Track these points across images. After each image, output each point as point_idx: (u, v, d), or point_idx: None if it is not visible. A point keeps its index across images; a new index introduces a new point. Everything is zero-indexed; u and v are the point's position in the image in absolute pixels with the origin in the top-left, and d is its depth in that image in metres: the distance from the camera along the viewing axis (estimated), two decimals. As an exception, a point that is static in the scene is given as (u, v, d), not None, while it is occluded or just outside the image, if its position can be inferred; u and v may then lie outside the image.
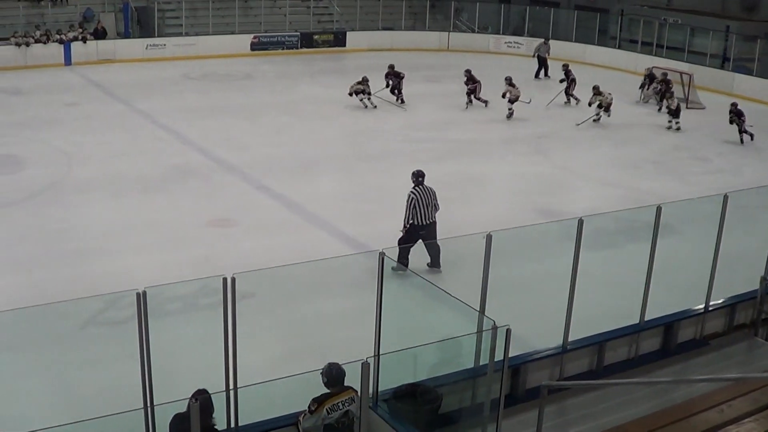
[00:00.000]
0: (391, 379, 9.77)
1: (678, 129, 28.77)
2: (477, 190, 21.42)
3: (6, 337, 11.73)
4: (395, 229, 16.43)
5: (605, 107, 28.52)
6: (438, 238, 16.04)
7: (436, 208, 16.36)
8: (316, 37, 45.45)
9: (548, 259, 15.07)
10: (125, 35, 43.64)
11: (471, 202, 20.32)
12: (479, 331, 9.75)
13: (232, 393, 9.39)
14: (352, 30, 46.42)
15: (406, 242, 16.06)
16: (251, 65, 40.14)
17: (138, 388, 9.23)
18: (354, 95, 30.22)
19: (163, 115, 28.86)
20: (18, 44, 40.06)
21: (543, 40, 39.88)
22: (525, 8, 46.80)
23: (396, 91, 31.42)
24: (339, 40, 45.77)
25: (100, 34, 41.68)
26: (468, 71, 31.39)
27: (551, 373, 11.77)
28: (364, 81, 30.65)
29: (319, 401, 8.92)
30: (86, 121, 28.35)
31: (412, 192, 16.29)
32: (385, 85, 31.50)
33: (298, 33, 45.16)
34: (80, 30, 41.49)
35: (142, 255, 16.79)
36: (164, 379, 9.39)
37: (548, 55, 38.95)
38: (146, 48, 41.86)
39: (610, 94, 28.71)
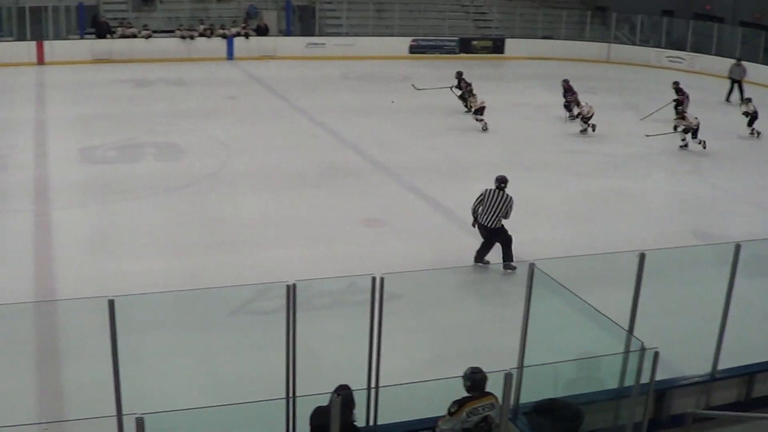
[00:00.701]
0: (531, 392, 9.67)
1: None
2: (631, 207, 20.99)
3: (158, 317, 12.04)
4: (547, 240, 16.28)
5: (691, 132, 26.41)
6: (588, 254, 15.76)
7: (499, 215, 16.06)
8: (474, 43, 45.42)
9: (701, 283, 14.62)
10: (287, 33, 44.45)
11: (624, 219, 19.92)
12: (626, 352, 9.58)
13: (373, 391, 9.44)
14: (511, 37, 46.16)
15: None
16: (409, 68, 40.31)
17: (280, 378, 9.35)
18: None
19: (320, 113, 29.24)
20: (183, 37, 41.25)
21: (735, 60, 37.28)
22: (688, 22, 45.50)
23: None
24: (497, 47, 45.61)
25: (262, 31, 42.57)
26: (566, 81, 30.44)
27: (697, 400, 11.42)
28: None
29: (459, 404, 8.89)
30: (245, 114, 29.00)
31: (484, 190, 16.30)
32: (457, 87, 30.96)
33: (457, 38, 45.19)
34: (243, 26, 42.40)
35: (292, 248, 17.02)
36: (307, 371, 9.49)
37: (744, 76, 36.27)
38: (306, 46, 42.54)
39: (696, 118, 26.56)
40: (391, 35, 44.36)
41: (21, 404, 11.34)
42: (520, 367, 9.63)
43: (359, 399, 8.91)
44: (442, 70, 38.96)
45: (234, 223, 18.50)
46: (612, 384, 9.93)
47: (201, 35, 41.79)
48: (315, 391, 8.39)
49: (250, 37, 42.16)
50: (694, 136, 26.27)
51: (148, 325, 12.07)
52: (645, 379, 8.78)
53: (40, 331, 13.26)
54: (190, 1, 44.31)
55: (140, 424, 7.37)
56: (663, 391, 10.97)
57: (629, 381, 9.27)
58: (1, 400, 11.18)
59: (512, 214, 16.12)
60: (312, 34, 44.22)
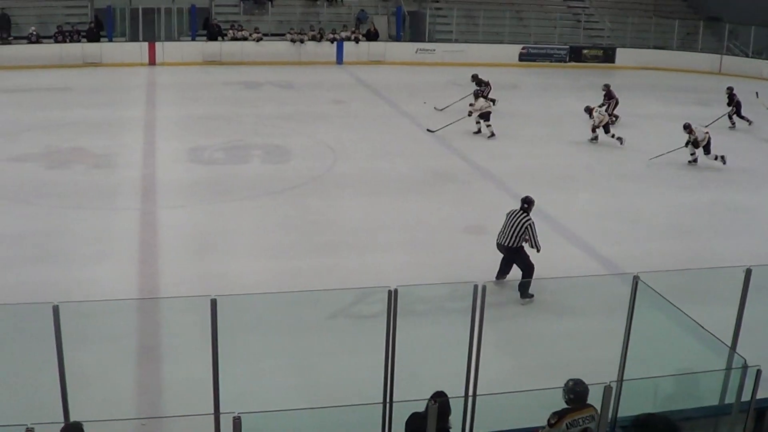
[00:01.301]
0: (630, 406, 9.50)
1: None
2: (740, 222, 20.49)
3: (259, 317, 12.12)
4: (651, 252, 15.99)
5: (697, 144, 24.71)
6: (692, 268, 15.37)
7: (514, 235, 15.22)
8: (585, 51, 45.00)
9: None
10: (396, 38, 44.57)
11: (733, 234, 19.45)
12: (728, 369, 9.35)
13: (470, 399, 9.36)
14: (622, 47, 45.58)
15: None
16: (518, 75, 40.13)
17: (377, 382, 9.33)
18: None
19: (426, 119, 29.20)
20: (293, 41, 41.71)
21: None
22: (804, 33, 44.12)
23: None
24: (608, 56, 45.09)
25: (371, 36, 42.78)
26: (606, 86, 30.10)
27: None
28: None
29: (559, 415, 8.78)
30: (352, 118, 29.17)
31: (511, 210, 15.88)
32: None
33: (567, 47, 44.83)
34: (353, 30, 42.64)
35: (393, 253, 16.98)
36: (405, 377, 9.46)
37: None
38: (416, 52, 42.62)
39: (707, 132, 24.90)
40: (501, 42, 44.15)
41: (121, 399, 11.53)
42: (620, 380, 9.46)
43: (455, 407, 8.84)
44: (552, 78, 38.74)
45: (337, 226, 18.56)
46: (712, 401, 9.72)
47: (311, 39, 42.16)
48: (411, 397, 8.35)
49: (360, 42, 42.39)
50: (705, 148, 24.77)
51: (248, 326, 12.16)
52: (746, 396, 8.56)
53: (142, 328, 13.47)
54: (301, 5, 44.75)
55: (237, 423, 7.41)
56: (764, 410, 10.67)
57: (730, 398, 9.05)
58: (102, 395, 11.38)
59: (614, 224, 15.73)
60: (422, 40, 44.26)
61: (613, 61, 44.86)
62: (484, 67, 39.96)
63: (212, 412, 8.88)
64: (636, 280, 9.59)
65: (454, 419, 8.92)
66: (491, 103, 28.27)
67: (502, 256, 15.31)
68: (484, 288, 8.98)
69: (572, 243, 17.92)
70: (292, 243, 17.50)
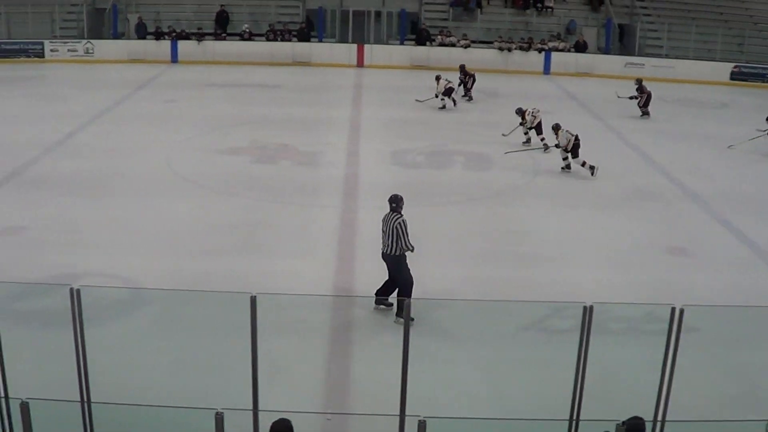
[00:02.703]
0: None
1: None
2: None
3: (452, 323, 12.14)
4: None
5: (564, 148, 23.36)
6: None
7: (391, 239, 13.93)
8: (803, 73, 43.20)
9: None
10: (605, 51, 43.92)
11: None
12: None
13: (658, 424, 9.14)
14: None
15: None
16: (728, 95, 38.90)
17: (566, 398, 9.22)
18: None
19: (632, 134, 28.70)
20: (501, 49, 41.73)
21: None
22: None
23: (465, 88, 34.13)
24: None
25: (580, 47, 42.28)
26: (639, 80, 31.50)
27: None
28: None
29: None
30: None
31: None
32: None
33: (783, 66, 43.17)
34: (561, 41, 42.28)
35: (589, 269, 16.70)
36: (595, 395, 9.31)
37: None
38: (625, 66, 41.82)
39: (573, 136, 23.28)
40: (713, 60, 42.86)
41: (309, 392, 11.75)
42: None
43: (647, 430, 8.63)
44: (764, 98, 37.31)
45: (534, 238, 18.41)
46: None
47: (518, 48, 42.03)
48: (599, 417, 8.20)
49: (568, 53, 41.98)
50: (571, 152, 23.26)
51: (440, 330, 12.20)
52: None
53: (335, 324, 13.69)
54: (510, 13, 44.65)
55: (422, 426, 7.44)
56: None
57: None
58: (292, 386, 11.63)
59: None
60: (631, 54, 43.45)
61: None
62: (692, 84, 39.11)
63: (398, 413, 8.94)
64: None
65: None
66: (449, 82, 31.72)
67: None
68: (681, 311, 8.75)
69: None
70: (489, 251, 17.47)
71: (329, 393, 11.91)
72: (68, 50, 42.45)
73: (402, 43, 43.92)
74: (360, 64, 42.06)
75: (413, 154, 24.99)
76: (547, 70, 41.66)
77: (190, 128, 27.20)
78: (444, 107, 31.64)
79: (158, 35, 43.15)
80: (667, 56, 43.00)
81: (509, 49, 41.89)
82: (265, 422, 8.24)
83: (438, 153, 25.30)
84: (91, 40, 42.86)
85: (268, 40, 42.54)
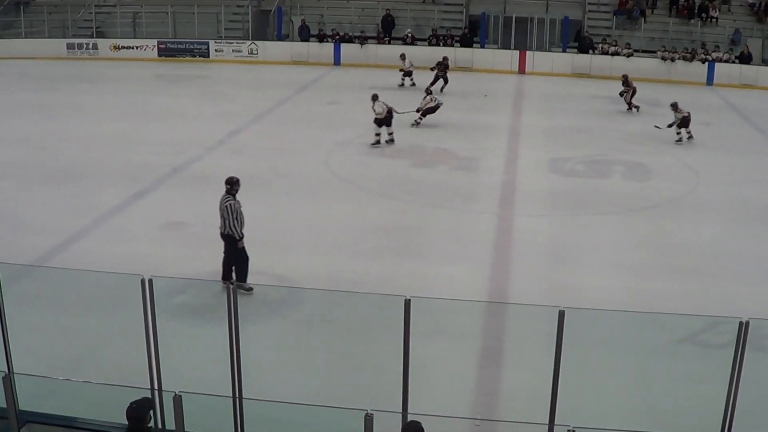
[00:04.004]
0: None
1: None
2: None
3: (605, 334, 11.99)
4: None
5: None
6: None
7: (224, 219, 14.86)
8: None
9: None
10: (770, 63, 42.51)
11: None
12: None
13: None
14: None
15: None
16: None
17: (717, 416, 9.02)
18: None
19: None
20: (663, 59, 40.99)
21: None
22: None
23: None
24: None
25: (745, 59, 41.06)
26: (625, 76, 33.08)
27: None
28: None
29: None
30: (718, 142, 28.17)
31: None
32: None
33: None
34: (727, 52, 41.25)
35: (748, 285, 16.22)
36: (748, 414, 9.09)
37: None
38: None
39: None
40: None
41: (459, 397, 11.78)
42: None
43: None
44: None
45: (693, 251, 18.03)
46: None
47: (682, 58, 41.19)
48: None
49: (733, 64, 40.89)
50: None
51: (593, 341, 12.08)
52: None
53: (488, 331, 13.69)
54: (675, 23, 43.77)
55: (571, 436, 7.40)
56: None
57: None
58: (441, 390, 11.69)
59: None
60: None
61: None
62: None
63: (547, 422, 8.90)
64: None
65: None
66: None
67: None
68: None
69: None
70: (646, 263, 17.20)
71: (478, 398, 11.93)
72: (233, 51, 43.66)
73: (564, 51, 43.58)
74: (521, 70, 41.92)
75: (572, 162, 24.79)
76: (710, 80, 40.65)
77: (350, 130, 27.56)
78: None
79: (321, 38, 43.90)
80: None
81: (672, 59, 41.09)
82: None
83: (597, 162, 25.03)
84: (255, 41, 43.90)
85: (430, 44, 42.79)
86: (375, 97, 26.32)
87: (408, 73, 36.94)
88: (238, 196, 14.94)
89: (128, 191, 20.53)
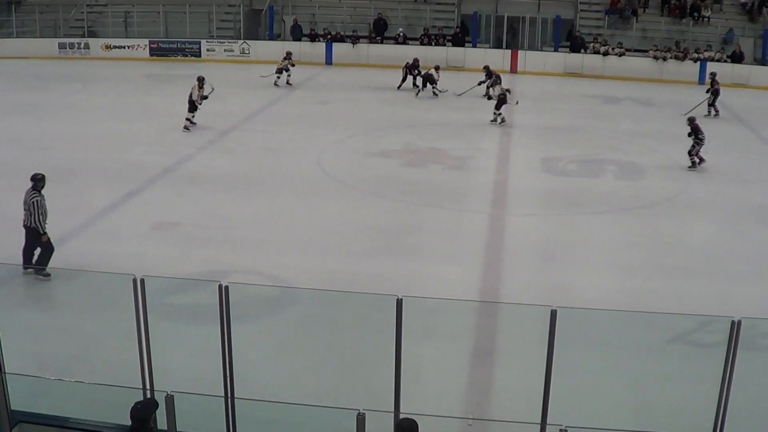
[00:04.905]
0: None
1: None
2: None
3: (596, 333, 11.99)
4: None
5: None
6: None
7: (26, 216, 15.31)
8: None
9: None
10: (762, 62, 42.53)
11: None
12: None
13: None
14: None
15: None
16: None
17: (709, 415, 9.02)
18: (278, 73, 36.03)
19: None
20: (655, 58, 41.06)
21: None
22: None
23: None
24: None
25: (736, 58, 41.13)
26: (486, 66, 34.34)
27: None
28: (288, 56, 36.79)
29: None
30: (711, 141, 28.06)
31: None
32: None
33: None
34: (719, 51, 41.33)
35: (742, 284, 16.23)
36: (740, 413, 9.10)
37: None
38: (785, 75, 40.53)
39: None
40: None
41: (451, 396, 11.78)
42: None
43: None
44: None
45: (686, 250, 18.05)
46: None
47: (674, 57, 41.24)
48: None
49: (725, 63, 40.93)
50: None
51: (585, 340, 12.09)
52: None
53: (480, 330, 13.69)
54: (666, 22, 43.82)
55: (562, 435, 7.40)
56: None
57: None
58: (434, 389, 11.70)
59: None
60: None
61: None
62: None
63: (539, 421, 8.90)
64: None
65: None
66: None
67: None
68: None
69: None
70: (639, 262, 17.20)
71: (470, 397, 11.93)
72: (224, 50, 43.71)
73: (556, 50, 43.63)
74: (513, 70, 41.96)
75: (564, 161, 24.81)
76: (702, 79, 40.67)
77: (342, 130, 27.57)
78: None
79: (313, 37, 43.89)
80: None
81: (664, 58, 41.14)
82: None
83: (590, 161, 25.06)
84: (247, 41, 43.88)
85: (422, 44, 42.80)
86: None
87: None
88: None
89: (120, 191, 20.48)
